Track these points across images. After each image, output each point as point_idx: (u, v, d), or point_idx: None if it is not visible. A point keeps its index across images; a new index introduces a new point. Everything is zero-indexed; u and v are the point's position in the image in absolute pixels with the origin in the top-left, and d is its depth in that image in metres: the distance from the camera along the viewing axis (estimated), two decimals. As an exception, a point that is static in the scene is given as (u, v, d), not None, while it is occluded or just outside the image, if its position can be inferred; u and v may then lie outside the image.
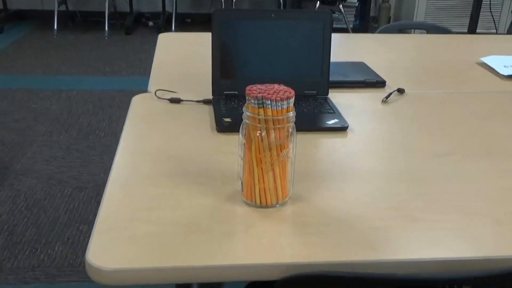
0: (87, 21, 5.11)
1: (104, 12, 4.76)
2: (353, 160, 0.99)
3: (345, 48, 1.76)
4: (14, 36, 4.65)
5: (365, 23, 5.10)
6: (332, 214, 0.82)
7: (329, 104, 1.21)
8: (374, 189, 0.89)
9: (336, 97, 1.28)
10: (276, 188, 0.82)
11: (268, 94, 0.77)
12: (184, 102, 1.23)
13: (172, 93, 1.27)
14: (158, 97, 1.25)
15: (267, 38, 1.21)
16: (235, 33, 1.20)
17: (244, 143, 0.80)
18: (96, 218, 0.79)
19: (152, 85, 1.34)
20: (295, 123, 0.80)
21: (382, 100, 1.28)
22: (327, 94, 1.25)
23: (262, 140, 0.78)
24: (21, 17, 5.14)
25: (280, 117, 0.78)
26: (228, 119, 1.12)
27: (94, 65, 3.99)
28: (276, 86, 0.80)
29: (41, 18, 5.12)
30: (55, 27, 4.75)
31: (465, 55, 1.72)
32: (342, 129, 1.11)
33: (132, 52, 4.32)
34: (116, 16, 5.04)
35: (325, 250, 0.73)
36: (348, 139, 1.08)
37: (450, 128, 1.15)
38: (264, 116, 0.77)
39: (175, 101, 1.23)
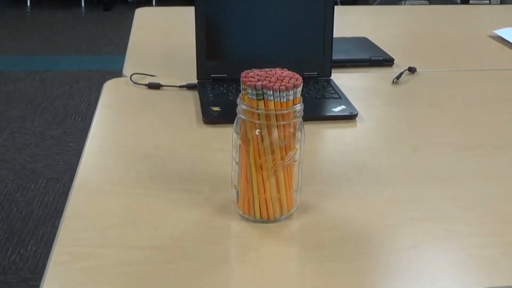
0: (62, -3, 4.85)
1: (80, -13, 4.53)
2: (367, 156, 0.83)
3: (342, 21, 1.58)
4: (-15, 14, 4.40)
5: (354, -5, 4.90)
6: (349, 227, 0.66)
7: (333, 88, 1.04)
8: (396, 193, 0.74)
9: (340, 78, 1.11)
10: (280, 199, 0.65)
11: (270, 82, 0.60)
12: (164, 87, 1.06)
13: (150, 77, 1.10)
14: (134, 82, 1.07)
15: (259, 11, 1.03)
16: (223, 5, 1.02)
17: (240, 144, 0.64)
18: (54, 242, 0.62)
19: (127, 68, 1.16)
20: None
21: (393, 81, 1.12)
22: (330, 76, 1.09)
23: (262, 140, 0.62)
24: (-8, -7, 4.88)
25: (285, 111, 0.61)
26: (216, 108, 0.95)
27: (70, 44, 3.76)
28: (278, 71, 0.63)
29: (13, -5, 4.85)
30: (28, 3, 4.50)
31: (475, 27, 1.56)
32: (350, 117, 0.95)
33: (110, 29, 4.10)
34: (93, -8, 4.79)
35: (346, 281, 0.58)
36: (358, 129, 0.92)
37: (473, 113, 0.99)
38: (265, 110, 0.61)
39: (154, 86, 1.05)
